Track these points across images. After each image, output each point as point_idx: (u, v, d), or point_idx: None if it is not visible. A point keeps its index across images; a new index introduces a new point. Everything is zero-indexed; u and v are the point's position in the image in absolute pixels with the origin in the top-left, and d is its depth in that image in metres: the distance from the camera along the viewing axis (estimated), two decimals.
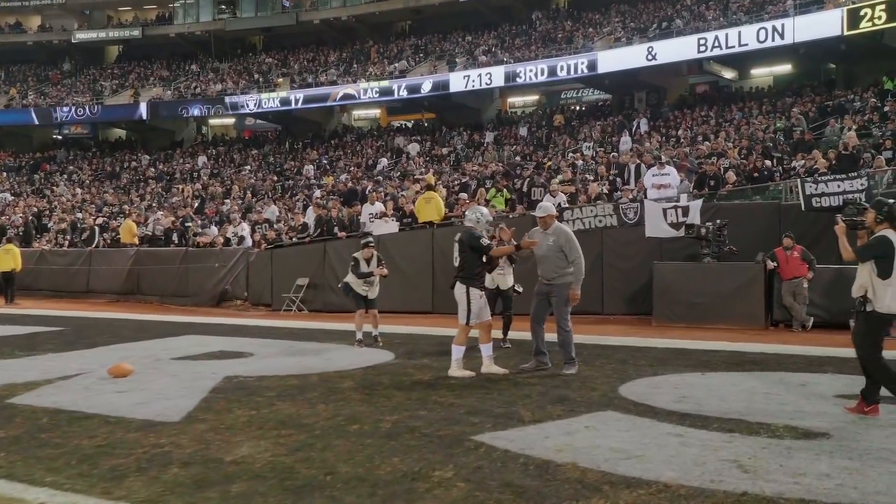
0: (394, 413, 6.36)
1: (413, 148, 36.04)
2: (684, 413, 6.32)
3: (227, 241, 19.54)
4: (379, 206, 18.06)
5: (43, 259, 22.41)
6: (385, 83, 39.07)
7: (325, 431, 5.78)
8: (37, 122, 46.61)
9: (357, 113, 47.79)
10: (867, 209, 6.76)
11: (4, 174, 44.58)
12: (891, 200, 6.73)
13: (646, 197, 16.21)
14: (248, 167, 38.66)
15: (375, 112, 46.98)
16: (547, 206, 9.30)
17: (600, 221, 15.85)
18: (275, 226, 19.88)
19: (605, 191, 17.84)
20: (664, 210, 15.34)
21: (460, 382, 7.87)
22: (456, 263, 8.76)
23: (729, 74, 36.57)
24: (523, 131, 35.21)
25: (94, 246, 21.91)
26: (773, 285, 13.85)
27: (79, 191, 36.90)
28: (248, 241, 19.29)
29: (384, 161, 34.79)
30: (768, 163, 18.21)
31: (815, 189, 14.24)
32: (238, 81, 44.60)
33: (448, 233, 16.65)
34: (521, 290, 11.17)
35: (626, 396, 7.04)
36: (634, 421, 6.05)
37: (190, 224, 21.34)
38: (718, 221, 14.40)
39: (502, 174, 21.06)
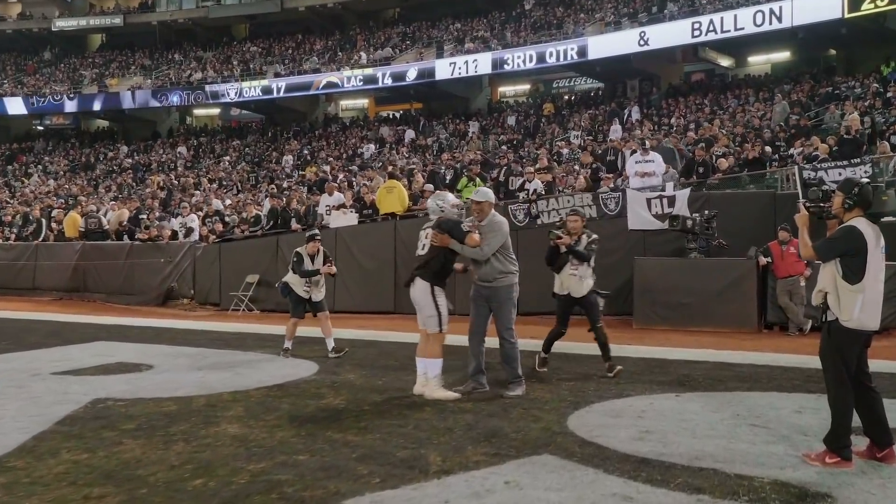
0: (263, 459, 4.87)
1: (409, 134, 34.70)
2: (643, 458, 4.83)
3: (175, 235, 17.99)
4: (338, 197, 16.46)
5: None
6: (369, 71, 37.75)
7: (154, 490, 4.31)
8: None
9: (344, 103, 46.64)
10: (833, 192, 5.22)
11: None
12: (864, 180, 5.19)
13: (628, 186, 14.75)
14: (228, 157, 37.39)
15: (363, 102, 45.87)
16: (486, 191, 7.76)
17: None
18: (226, 218, 18.29)
19: (585, 175, 16.34)
20: (648, 200, 13.87)
21: (375, 409, 6.39)
22: (423, 252, 7.13)
23: (725, 62, 35.12)
24: (511, 121, 33.80)
25: (40, 239, 20.36)
26: (767, 284, 12.40)
27: (52, 182, 35.63)
28: (198, 234, 17.70)
29: (371, 147, 33.47)
30: (768, 149, 16.73)
31: (814, 177, 12.80)
32: (220, 70, 43.24)
33: (412, 225, 15.12)
34: (607, 294, 9.11)
35: (573, 431, 5.55)
36: (573, 473, 4.55)
37: (144, 216, 19.77)
38: (707, 212, 12.91)
39: (480, 163, 19.55)
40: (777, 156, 16.83)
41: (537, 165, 16.83)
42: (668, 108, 28.61)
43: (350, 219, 15.39)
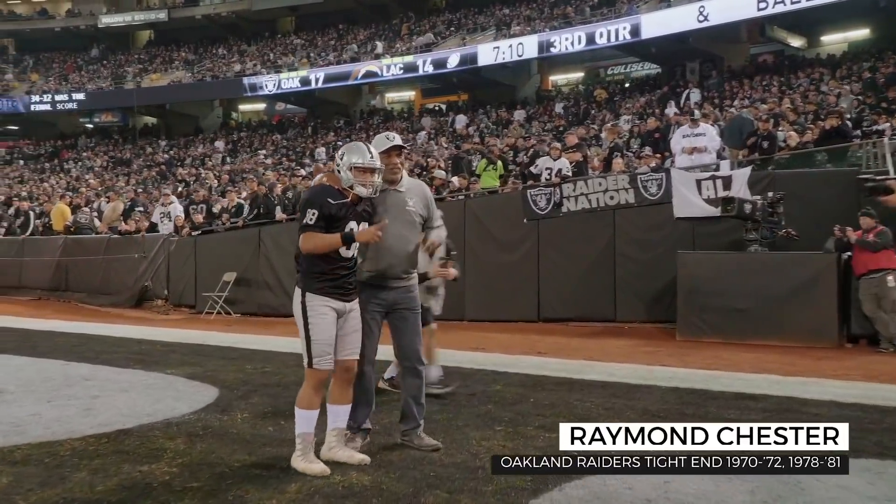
0: None
1: (461, 120, 32.35)
2: None
3: (153, 227, 15.85)
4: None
5: None
6: (409, 58, 35.82)
7: None
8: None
9: (390, 95, 44.97)
10: None
11: (21, 162, 43.47)
12: None
13: (673, 164, 12.12)
14: (264, 152, 35.86)
15: (409, 94, 44.07)
16: (395, 136, 5.03)
17: (612, 198, 11.81)
18: (213, 207, 15.95)
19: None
20: (698, 181, 11.22)
21: (207, 489, 4.01)
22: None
23: (796, 42, 31.84)
24: (559, 108, 31.23)
25: (28, 233, 18.56)
26: (850, 285, 9.68)
27: (89, 177, 34.72)
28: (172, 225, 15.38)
29: (423, 135, 31.28)
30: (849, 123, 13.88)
31: None
32: (261, 62, 42.01)
33: None
34: None
35: None
36: None
37: (141, 208, 17.77)
38: (771, 195, 10.24)
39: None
40: (860, 132, 13.98)
41: (565, 143, 14.19)
42: (731, 91, 25.65)
43: None
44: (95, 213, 18.38)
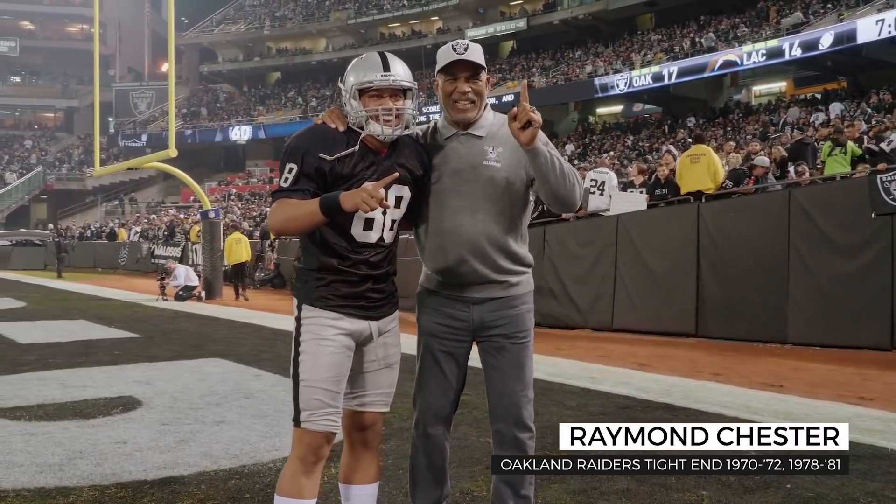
0: None
1: (835, 108, 28.17)
2: None
3: None
4: (602, 173, 11.50)
5: None
6: (773, 43, 32.30)
7: None
8: None
9: (757, 88, 41.41)
10: None
11: None
12: None
13: None
14: (611, 153, 34.59)
15: (780, 85, 40.25)
16: (471, 46, 2.80)
17: None
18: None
19: None
20: None
21: None
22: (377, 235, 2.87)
23: None
24: None
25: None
26: None
27: None
28: None
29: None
30: None
31: None
32: (608, 61, 40.95)
33: (723, 210, 10.34)
34: None
35: None
36: None
37: None
38: None
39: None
40: None
41: None
42: None
43: (636, 201, 10.79)
44: None
